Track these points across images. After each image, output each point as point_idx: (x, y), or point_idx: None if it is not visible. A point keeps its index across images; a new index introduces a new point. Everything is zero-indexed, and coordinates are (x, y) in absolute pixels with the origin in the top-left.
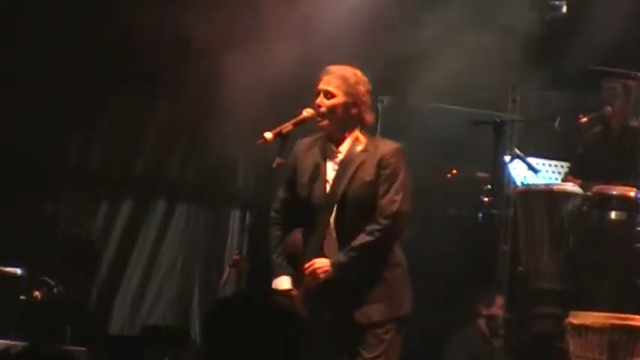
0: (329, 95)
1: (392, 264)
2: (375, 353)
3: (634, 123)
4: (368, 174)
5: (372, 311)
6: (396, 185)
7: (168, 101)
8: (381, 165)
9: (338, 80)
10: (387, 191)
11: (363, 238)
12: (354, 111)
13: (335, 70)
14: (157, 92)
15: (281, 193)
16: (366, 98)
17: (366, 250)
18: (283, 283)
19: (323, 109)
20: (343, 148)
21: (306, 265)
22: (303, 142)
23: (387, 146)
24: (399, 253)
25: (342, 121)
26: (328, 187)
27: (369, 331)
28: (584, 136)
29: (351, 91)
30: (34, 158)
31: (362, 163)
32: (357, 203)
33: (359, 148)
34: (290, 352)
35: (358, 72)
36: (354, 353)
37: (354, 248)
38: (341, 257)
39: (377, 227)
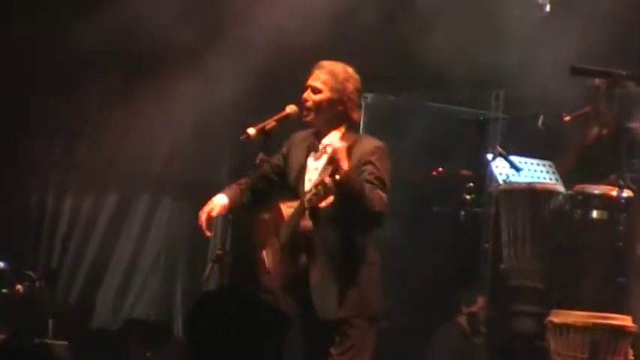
0: (316, 90)
1: (363, 261)
2: (342, 349)
3: (631, 124)
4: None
5: (338, 307)
6: (376, 181)
7: (153, 95)
8: (360, 162)
9: (326, 76)
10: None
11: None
12: (339, 108)
13: (326, 65)
14: (141, 87)
15: (263, 170)
16: (354, 96)
17: (369, 200)
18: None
19: (309, 104)
20: (327, 143)
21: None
22: (298, 135)
23: (368, 144)
24: (371, 251)
25: (328, 117)
26: (307, 183)
27: (335, 327)
28: (579, 136)
29: (338, 88)
30: (19, 152)
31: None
32: (335, 200)
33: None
34: (273, 348)
35: (349, 69)
36: (323, 351)
37: (372, 191)
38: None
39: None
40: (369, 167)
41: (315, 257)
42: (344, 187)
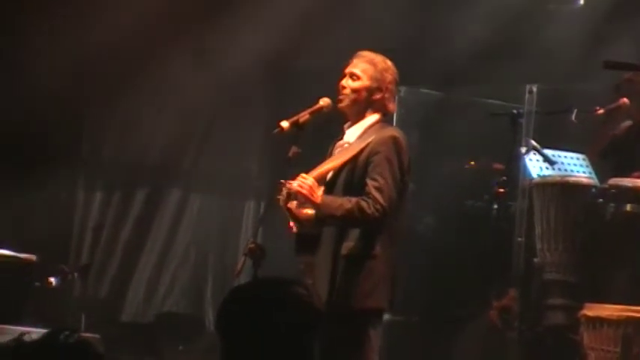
0: (354, 77)
1: (365, 254)
2: (339, 341)
3: None
4: (359, 161)
5: (336, 299)
6: (382, 172)
7: (183, 90)
8: (371, 152)
9: (366, 64)
10: (374, 178)
11: (359, 201)
12: (377, 96)
13: (365, 54)
14: (172, 82)
15: None
16: (392, 86)
17: (356, 211)
18: None
19: (347, 91)
20: (350, 134)
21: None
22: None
23: (381, 133)
24: (377, 245)
25: (363, 105)
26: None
27: (335, 319)
28: (612, 127)
29: (377, 77)
30: (50, 146)
31: (360, 151)
32: (343, 189)
33: (363, 134)
34: (305, 343)
35: (388, 60)
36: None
37: (350, 201)
38: (334, 199)
39: (375, 204)
40: (376, 159)
41: (321, 247)
42: (319, 220)
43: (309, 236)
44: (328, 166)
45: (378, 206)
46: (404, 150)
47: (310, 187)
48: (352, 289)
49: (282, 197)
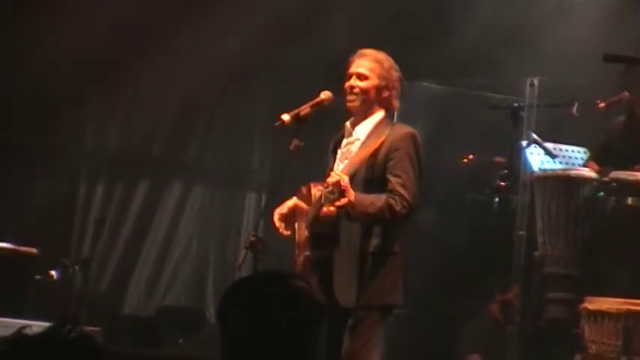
0: (362, 77)
1: (386, 250)
2: (355, 336)
3: None
4: (378, 157)
5: (357, 295)
6: (405, 169)
7: (184, 83)
8: (390, 149)
9: (372, 63)
10: (397, 175)
11: (388, 199)
12: (385, 95)
13: (369, 53)
14: (173, 74)
15: None
16: (397, 84)
17: (386, 208)
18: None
19: (356, 90)
20: (360, 130)
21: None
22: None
23: (399, 130)
24: (397, 241)
25: (371, 104)
26: (337, 167)
27: (351, 314)
28: (607, 123)
29: (384, 75)
30: (52, 140)
31: (378, 147)
32: (363, 186)
33: (375, 131)
34: (307, 336)
35: (390, 58)
36: (333, 337)
37: (380, 199)
38: (365, 197)
39: (402, 201)
40: (396, 155)
41: (339, 243)
42: (350, 218)
43: (323, 232)
44: (351, 164)
45: (405, 203)
46: (421, 146)
47: (347, 184)
48: (375, 286)
49: (315, 199)
